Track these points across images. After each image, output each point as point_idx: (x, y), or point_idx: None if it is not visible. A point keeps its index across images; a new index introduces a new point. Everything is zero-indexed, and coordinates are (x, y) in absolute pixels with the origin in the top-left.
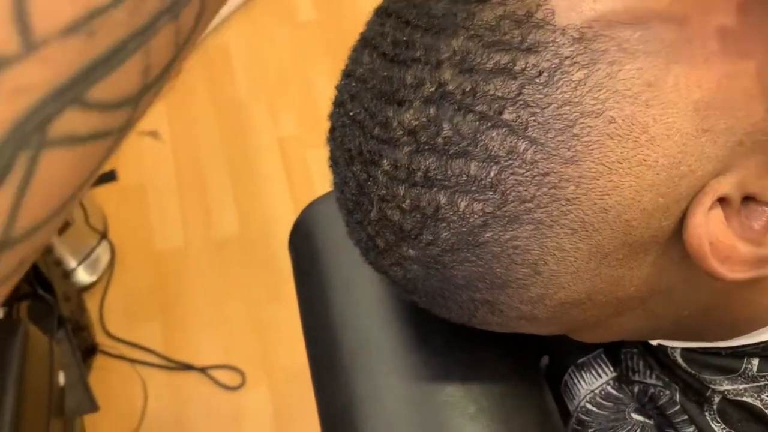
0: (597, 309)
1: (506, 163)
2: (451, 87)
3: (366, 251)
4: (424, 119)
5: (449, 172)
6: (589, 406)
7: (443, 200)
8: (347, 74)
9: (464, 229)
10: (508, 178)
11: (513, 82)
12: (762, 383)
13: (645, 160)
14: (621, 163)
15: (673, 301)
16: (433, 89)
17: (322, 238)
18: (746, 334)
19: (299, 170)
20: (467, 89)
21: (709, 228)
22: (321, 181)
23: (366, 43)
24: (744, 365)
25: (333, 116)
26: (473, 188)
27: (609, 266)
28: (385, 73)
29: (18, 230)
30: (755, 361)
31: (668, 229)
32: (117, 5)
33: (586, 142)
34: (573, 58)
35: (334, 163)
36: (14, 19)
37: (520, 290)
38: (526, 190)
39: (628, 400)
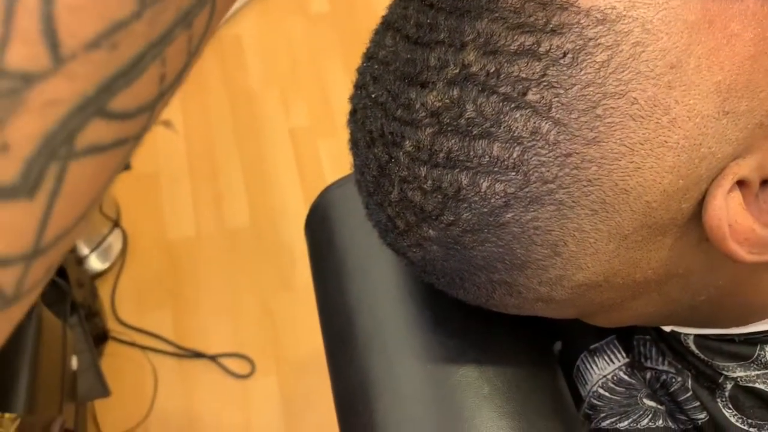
0: (614, 291)
1: (529, 144)
2: (474, 68)
3: (385, 232)
4: (447, 100)
5: (471, 153)
6: (601, 390)
7: (465, 181)
8: (369, 56)
9: (485, 210)
10: (530, 158)
11: (537, 63)
12: None
13: (666, 142)
14: (642, 144)
15: (689, 285)
16: (456, 71)
17: (339, 221)
18: (761, 320)
19: (310, 161)
20: (491, 70)
21: (728, 210)
22: (331, 171)
23: (388, 25)
24: (757, 352)
25: (354, 98)
26: (495, 169)
27: (628, 248)
28: (408, 55)
29: (47, 239)
30: None
31: (687, 211)
32: (138, 18)
33: (608, 123)
34: (597, 39)
35: (355, 145)
36: (43, 37)
37: (539, 271)
38: (548, 171)
39: (640, 386)
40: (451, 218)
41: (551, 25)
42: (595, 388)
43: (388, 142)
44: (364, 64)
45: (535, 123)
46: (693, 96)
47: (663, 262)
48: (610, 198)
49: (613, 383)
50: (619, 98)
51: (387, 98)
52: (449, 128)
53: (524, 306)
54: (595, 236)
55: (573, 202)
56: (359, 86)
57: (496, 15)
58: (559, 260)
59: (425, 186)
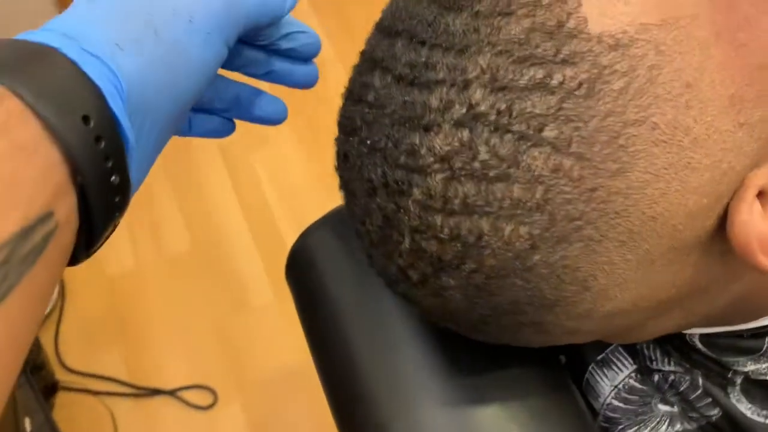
0: (639, 314)
1: (552, 183)
2: (483, 108)
3: (395, 283)
4: (456, 144)
5: (490, 197)
6: (615, 402)
7: (486, 227)
8: (356, 99)
9: (510, 254)
10: (555, 197)
11: (551, 97)
12: None
13: (689, 163)
14: (667, 169)
15: (710, 295)
16: (463, 111)
17: (327, 265)
18: None
19: (245, 175)
20: (502, 108)
21: (753, 224)
22: (269, 184)
23: (374, 64)
24: (766, 344)
25: (344, 144)
26: (518, 211)
27: (655, 272)
28: (406, 98)
29: None
30: None
31: (711, 228)
32: None
33: (632, 152)
34: (612, 66)
35: (351, 193)
36: None
37: (568, 308)
38: (574, 208)
39: (652, 392)
40: (473, 266)
41: (562, 55)
42: (608, 401)
43: (394, 191)
44: (351, 107)
45: (555, 160)
46: (710, 113)
47: (688, 280)
48: (637, 227)
49: (625, 393)
50: (640, 125)
51: (387, 144)
52: (462, 173)
53: (550, 341)
54: (623, 267)
55: (601, 236)
56: (349, 131)
57: (500, 48)
58: (589, 295)
59: (441, 235)
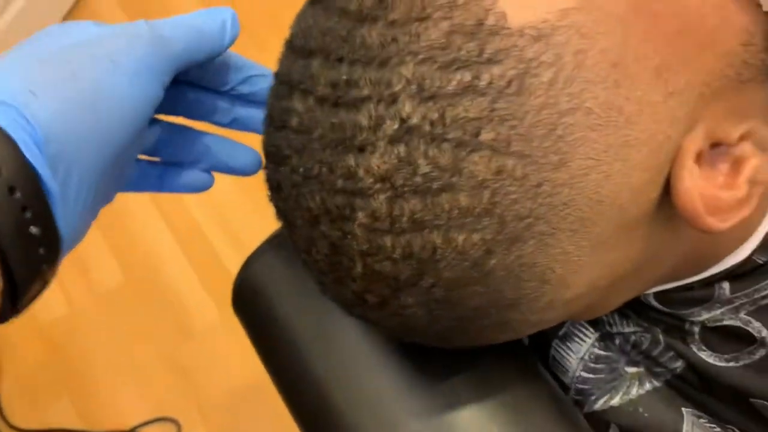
0: (598, 293)
1: (497, 186)
2: (415, 120)
3: (351, 307)
4: (394, 161)
5: (438, 210)
6: (584, 374)
7: (438, 240)
8: (279, 125)
9: (467, 263)
10: (502, 200)
11: (482, 99)
12: (737, 303)
13: (627, 141)
14: (607, 152)
15: (661, 260)
16: (396, 126)
17: (274, 292)
18: (714, 264)
19: (169, 200)
20: (434, 118)
21: (697, 188)
22: (196, 204)
23: (292, 87)
24: (716, 291)
25: (274, 173)
26: (468, 220)
27: (608, 252)
28: (333, 120)
29: None
30: (726, 285)
31: (655, 199)
32: None
33: (571, 141)
34: (538, 58)
35: (290, 224)
36: None
37: (531, 303)
38: (522, 207)
39: (618, 356)
40: (431, 281)
41: (486, 55)
42: (577, 373)
43: (337, 217)
44: (276, 134)
45: (497, 162)
46: (639, 88)
47: (640, 252)
48: (587, 214)
49: (592, 363)
50: (575, 113)
51: (321, 170)
52: (405, 189)
53: (516, 335)
54: (578, 254)
55: (553, 229)
56: (278, 160)
57: (422, 56)
58: (549, 287)
59: (394, 255)
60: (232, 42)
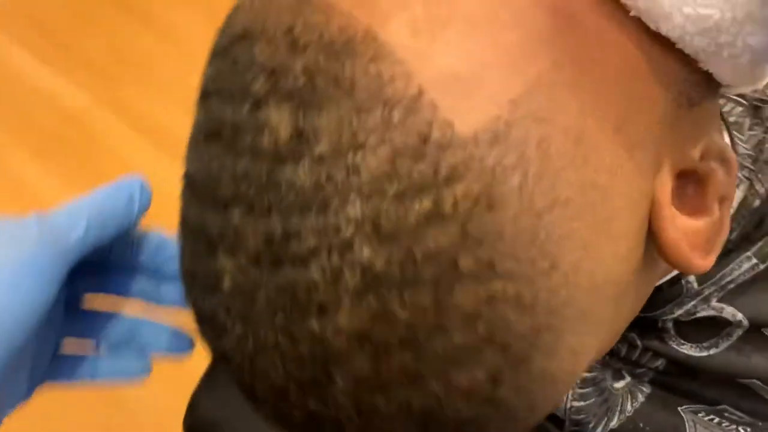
0: (601, 352)
1: (491, 314)
2: (379, 266)
3: None
4: (365, 317)
5: (431, 356)
6: (576, 404)
7: (439, 389)
8: (208, 288)
9: (476, 403)
10: (499, 326)
11: (451, 224)
12: (706, 293)
13: (609, 216)
14: (592, 236)
15: (644, 298)
16: (358, 278)
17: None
18: None
19: None
20: (401, 259)
21: (680, 234)
22: None
23: (213, 244)
24: (684, 286)
25: (216, 344)
26: (467, 357)
27: (606, 323)
28: (279, 280)
29: None
30: (692, 278)
31: (641, 255)
32: None
33: (556, 240)
34: (501, 163)
35: (251, 397)
36: None
37: (546, 403)
38: (522, 325)
39: (602, 372)
40: (442, 429)
41: (443, 174)
42: (569, 405)
43: (309, 387)
44: (206, 298)
45: (484, 290)
46: (606, 154)
47: (630, 310)
48: (585, 304)
49: (579, 388)
50: (552, 209)
51: (278, 339)
52: (388, 344)
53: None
54: (582, 341)
55: (556, 334)
56: (216, 329)
57: (368, 190)
58: (560, 384)
59: (390, 412)
60: (142, 214)
